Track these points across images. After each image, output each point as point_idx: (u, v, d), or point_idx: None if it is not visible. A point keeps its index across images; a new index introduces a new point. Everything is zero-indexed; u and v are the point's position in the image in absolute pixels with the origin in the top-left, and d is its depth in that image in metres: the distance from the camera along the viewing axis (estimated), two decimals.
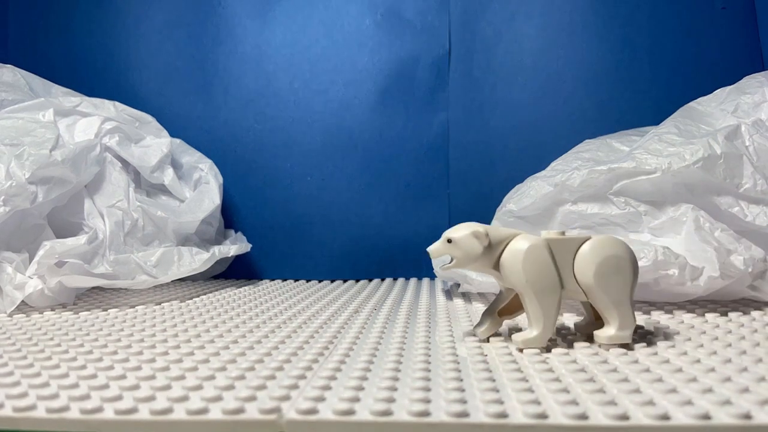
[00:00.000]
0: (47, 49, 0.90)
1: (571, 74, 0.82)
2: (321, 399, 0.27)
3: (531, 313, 0.35)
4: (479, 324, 0.39)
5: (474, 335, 0.39)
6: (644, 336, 0.39)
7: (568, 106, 0.82)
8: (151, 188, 0.73)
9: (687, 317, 0.46)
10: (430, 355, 0.35)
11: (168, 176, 0.73)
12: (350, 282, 0.79)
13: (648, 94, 0.80)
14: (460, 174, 0.83)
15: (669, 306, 0.50)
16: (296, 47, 0.85)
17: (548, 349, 0.35)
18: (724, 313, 0.46)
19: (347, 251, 0.83)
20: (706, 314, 0.46)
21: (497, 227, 0.37)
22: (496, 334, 0.39)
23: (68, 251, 0.54)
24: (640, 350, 0.35)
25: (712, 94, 0.59)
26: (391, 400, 0.26)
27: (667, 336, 0.39)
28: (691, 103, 0.60)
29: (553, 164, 0.62)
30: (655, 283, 0.48)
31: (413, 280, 0.78)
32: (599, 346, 0.36)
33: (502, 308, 0.39)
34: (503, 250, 0.36)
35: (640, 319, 0.45)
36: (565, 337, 0.39)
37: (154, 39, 0.88)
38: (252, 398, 0.27)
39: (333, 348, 0.37)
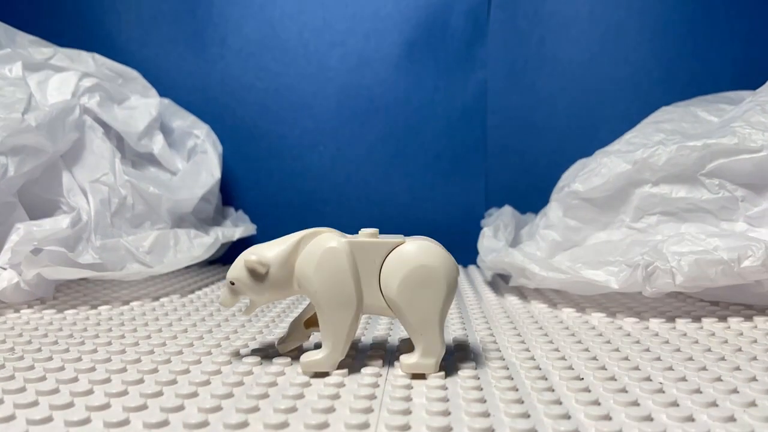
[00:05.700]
0: None
1: (633, 27, 0.78)
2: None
3: (322, 328, 0.32)
4: (283, 337, 0.35)
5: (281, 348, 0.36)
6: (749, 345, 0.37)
7: (629, 66, 0.79)
8: (137, 158, 0.69)
9: None
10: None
11: (158, 144, 0.69)
12: None
13: (725, 53, 0.77)
14: (500, 144, 0.81)
15: None
16: None
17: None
18: None
19: None
20: None
21: (280, 240, 0.33)
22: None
23: (48, 237, 0.51)
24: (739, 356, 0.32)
25: None
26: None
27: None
28: None
29: (627, 136, 0.58)
30: (757, 284, 0.46)
31: None
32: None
33: (309, 319, 0.35)
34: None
35: (741, 325, 0.43)
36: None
37: None
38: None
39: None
